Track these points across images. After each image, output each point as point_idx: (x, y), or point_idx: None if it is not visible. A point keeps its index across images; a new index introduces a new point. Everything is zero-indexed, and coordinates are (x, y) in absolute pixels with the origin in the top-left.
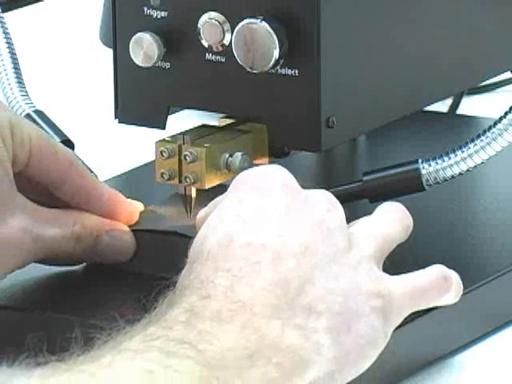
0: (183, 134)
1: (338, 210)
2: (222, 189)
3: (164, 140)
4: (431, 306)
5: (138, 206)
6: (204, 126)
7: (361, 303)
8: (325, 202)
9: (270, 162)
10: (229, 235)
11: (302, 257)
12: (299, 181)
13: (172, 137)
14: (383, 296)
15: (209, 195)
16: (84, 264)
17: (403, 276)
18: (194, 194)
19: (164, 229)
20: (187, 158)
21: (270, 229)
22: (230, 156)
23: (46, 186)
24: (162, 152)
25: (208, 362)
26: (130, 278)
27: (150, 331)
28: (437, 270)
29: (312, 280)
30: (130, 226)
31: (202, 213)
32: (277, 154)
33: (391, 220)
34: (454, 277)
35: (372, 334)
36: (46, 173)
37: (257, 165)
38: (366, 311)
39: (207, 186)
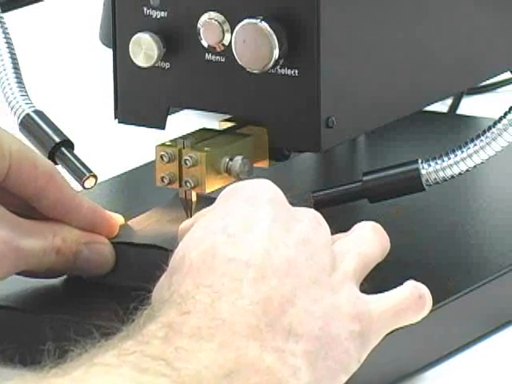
0: (183, 138)
1: (324, 228)
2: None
3: (164, 144)
4: (407, 324)
5: (118, 219)
6: (204, 129)
7: (340, 328)
8: (311, 220)
9: (270, 166)
10: (213, 248)
11: (284, 276)
12: (287, 196)
13: (172, 141)
14: (362, 320)
15: (209, 199)
16: (64, 277)
17: (381, 296)
18: (194, 199)
19: (143, 242)
20: (187, 162)
21: (256, 243)
22: (231, 160)
23: (24, 198)
24: (162, 156)
25: (183, 380)
26: (110, 290)
27: (126, 345)
28: (412, 289)
29: (293, 301)
30: (109, 239)
31: (184, 224)
32: (277, 158)
33: (371, 240)
34: (427, 294)
35: (346, 360)
36: (24, 186)
37: (257, 168)
38: (344, 336)
39: (208, 191)
